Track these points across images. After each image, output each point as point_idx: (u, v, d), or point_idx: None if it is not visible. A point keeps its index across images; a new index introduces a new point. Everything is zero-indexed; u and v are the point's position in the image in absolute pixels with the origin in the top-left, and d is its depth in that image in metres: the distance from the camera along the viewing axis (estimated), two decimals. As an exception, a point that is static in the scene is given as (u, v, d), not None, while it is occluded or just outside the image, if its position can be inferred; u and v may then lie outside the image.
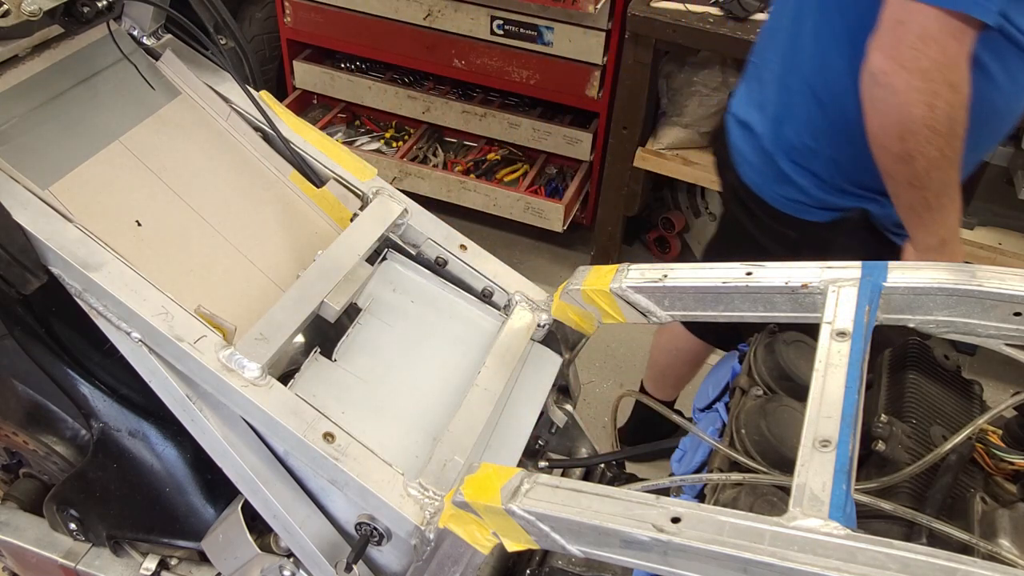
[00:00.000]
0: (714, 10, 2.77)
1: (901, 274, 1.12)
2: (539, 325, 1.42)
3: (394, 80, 3.58)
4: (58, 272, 1.20)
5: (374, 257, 1.46)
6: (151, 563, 1.55)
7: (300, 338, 1.41)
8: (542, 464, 1.51)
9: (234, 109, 1.54)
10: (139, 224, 1.34)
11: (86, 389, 1.46)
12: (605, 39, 2.98)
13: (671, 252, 3.60)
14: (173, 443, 1.45)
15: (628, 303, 1.30)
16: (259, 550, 1.34)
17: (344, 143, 3.30)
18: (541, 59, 3.11)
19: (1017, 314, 1.07)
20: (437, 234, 1.49)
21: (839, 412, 0.96)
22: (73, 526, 1.56)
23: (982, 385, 1.25)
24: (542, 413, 1.44)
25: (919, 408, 1.16)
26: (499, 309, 1.47)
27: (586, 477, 1.56)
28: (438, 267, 1.49)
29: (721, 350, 2.22)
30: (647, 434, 2.26)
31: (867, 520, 1.02)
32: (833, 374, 1.01)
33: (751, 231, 1.79)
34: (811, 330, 1.15)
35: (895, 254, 1.56)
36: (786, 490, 0.95)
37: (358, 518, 1.17)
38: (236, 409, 1.19)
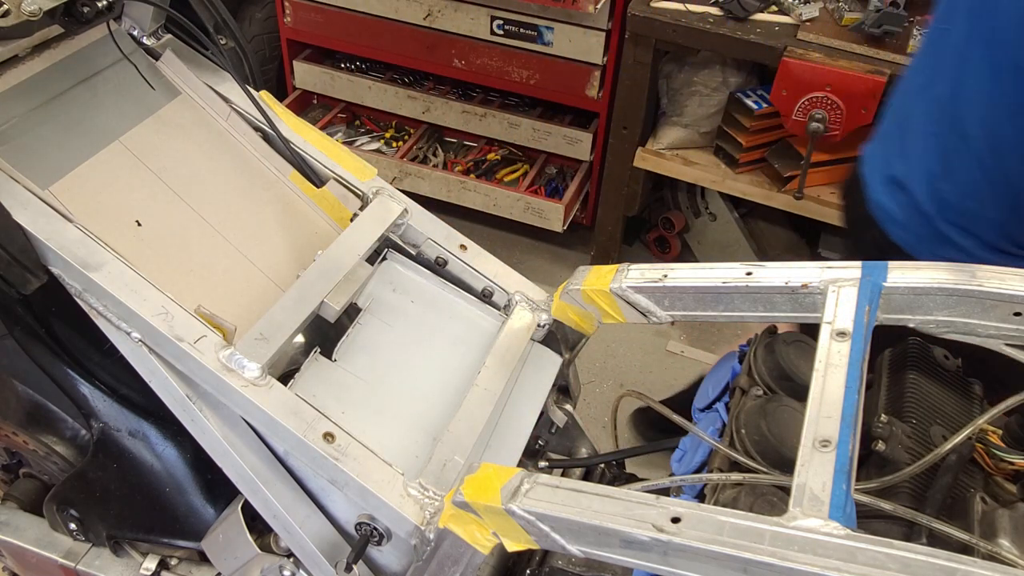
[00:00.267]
0: (714, 10, 2.77)
1: (901, 274, 1.12)
2: (539, 325, 1.42)
3: (394, 80, 3.58)
4: (58, 272, 1.20)
5: (374, 257, 1.46)
6: (151, 563, 1.55)
7: (300, 338, 1.41)
8: (542, 464, 1.51)
9: (234, 109, 1.54)
10: (139, 224, 1.34)
11: (86, 389, 1.46)
12: (605, 39, 2.98)
13: (671, 252, 3.60)
14: (173, 443, 1.45)
15: (628, 303, 1.30)
16: (259, 550, 1.34)
17: (344, 143, 3.30)
18: (541, 59, 3.11)
19: (1017, 314, 1.07)
20: (437, 234, 1.49)
21: (839, 412, 0.96)
22: (73, 526, 1.56)
23: (982, 385, 1.25)
24: (542, 413, 1.44)
25: (919, 408, 1.16)
26: (499, 309, 1.47)
27: (586, 477, 1.56)
28: (438, 267, 1.49)
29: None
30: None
31: (867, 520, 1.02)
32: (833, 374, 1.01)
33: None
34: (811, 330, 1.15)
35: None
36: (786, 490, 0.95)
37: (358, 518, 1.17)
38: (236, 409, 1.19)
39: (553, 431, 1.56)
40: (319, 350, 1.30)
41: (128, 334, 1.19)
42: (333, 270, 1.32)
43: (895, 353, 1.29)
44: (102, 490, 1.50)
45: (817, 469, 0.91)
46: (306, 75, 3.60)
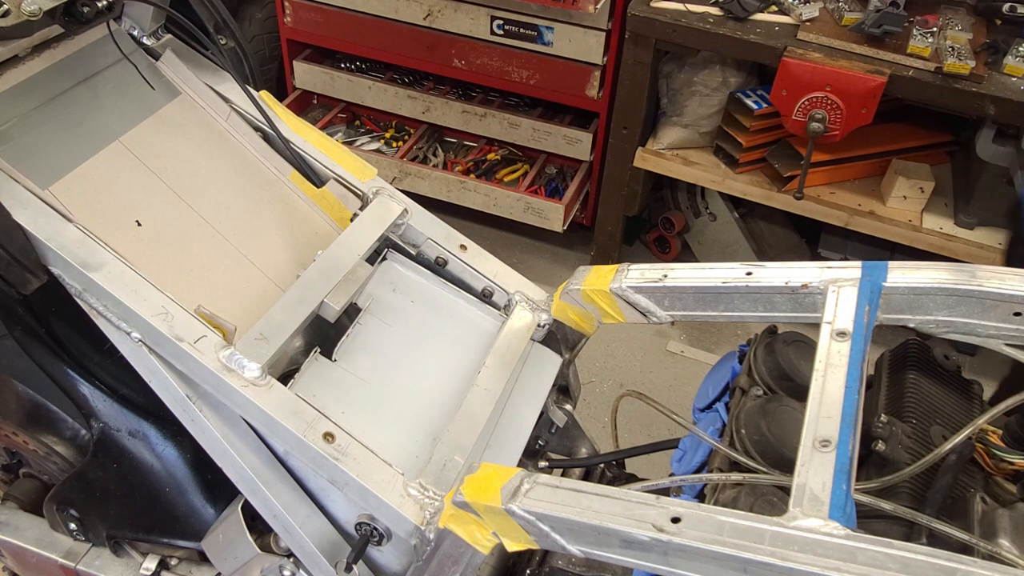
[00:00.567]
0: (714, 10, 2.77)
1: (901, 274, 1.12)
2: (539, 325, 1.42)
3: (394, 80, 3.58)
4: (58, 272, 1.20)
5: (374, 257, 1.46)
6: (151, 563, 1.55)
7: (300, 338, 1.41)
8: (542, 464, 1.51)
9: (234, 109, 1.54)
10: (139, 224, 1.34)
11: (86, 389, 1.46)
12: (605, 39, 2.98)
13: (671, 252, 3.60)
14: (173, 443, 1.45)
15: (628, 303, 1.30)
16: (259, 550, 1.34)
17: (344, 143, 3.30)
18: (541, 59, 3.11)
19: (1017, 314, 1.07)
20: (437, 234, 1.48)
21: (839, 412, 0.96)
22: (73, 526, 1.56)
23: (982, 385, 1.25)
24: (542, 413, 1.44)
25: (919, 408, 1.16)
26: (499, 309, 1.47)
27: (586, 477, 1.56)
28: (438, 267, 1.49)
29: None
30: None
31: (867, 520, 1.02)
32: (833, 374, 1.01)
33: None
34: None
35: None
36: (786, 490, 0.95)
37: (358, 518, 1.17)
38: (236, 409, 1.19)
39: (553, 431, 1.56)
40: (319, 350, 1.30)
41: (128, 334, 1.19)
42: (333, 270, 1.32)
43: (895, 353, 1.29)
44: (102, 490, 1.50)
45: (817, 469, 0.91)
46: (306, 75, 3.60)
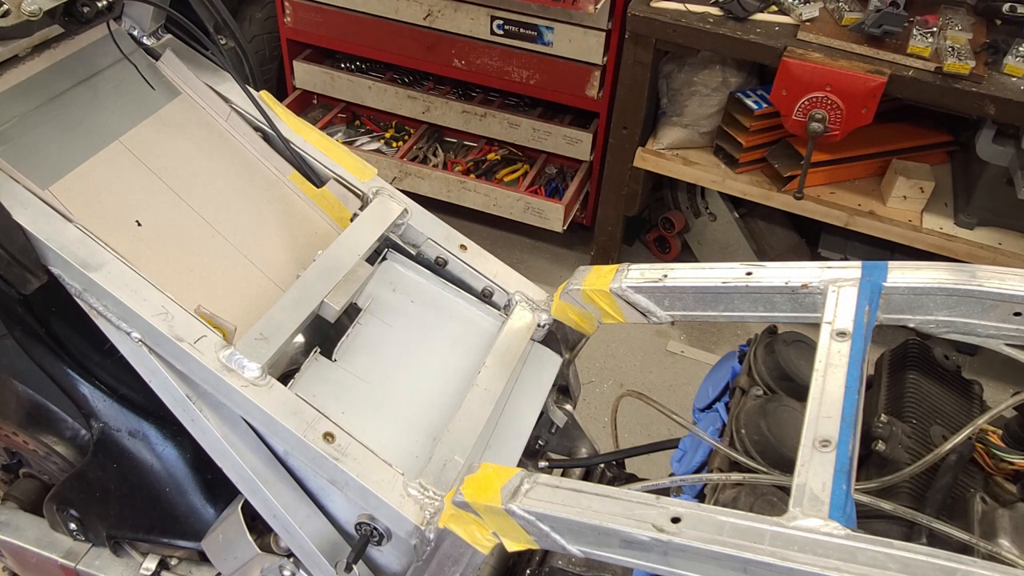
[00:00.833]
0: (714, 10, 2.78)
1: (901, 274, 1.12)
2: (539, 325, 1.42)
3: (394, 80, 3.58)
4: (58, 272, 1.20)
5: (374, 257, 1.46)
6: (151, 563, 1.55)
7: (300, 338, 1.41)
8: (542, 464, 1.51)
9: (234, 109, 1.54)
10: (139, 224, 1.34)
11: (86, 389, 1.46)
12: (605, 39, 2.98)
13: (671, 252, 3.60)
14: (173, 443, 1.45)
15: (628, 303, 1.30)
16: (259, 550, 1.34)
17: (344, 143, 3.30)
18: (541, 59, 3.11)
19: (1017, 314, 1.07)
20: (437, 234, 1.48)
21: (839, 412, 0.96)
22: (73, 526, 1.56)
23: (982, 385, 1.25)
24: (542, 413, 1.44)
25: (919, 408, 1.16)
26: (499, 309, 1.47)
27: (586, 477, 1.56)
28: (438, 267, 1.49)
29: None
30: None
31: (867, 520, 1.02)
32: (833, 374, 1.01)
33: None
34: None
35: None
36: (786, 490, 0.95)
37: (358, 518, 1.17)
38: (236, 409, 1.19)
39: (553, 431, 1.56)
40: (319, 350, 1.30)
41: (128, 334, 1.19)
42: (333, 270, 1.32)
43: (895, 353, 1.29)
44: (102, 490, 1.50)
45: (817, 469, 0.91)
46: (306, 75, 3.60)
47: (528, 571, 1.38)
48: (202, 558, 1.52)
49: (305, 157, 1.53)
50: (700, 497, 1.21)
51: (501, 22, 3.07)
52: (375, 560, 1.25)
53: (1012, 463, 1.09)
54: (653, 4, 2.79)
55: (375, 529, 1.15)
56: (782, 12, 2.79)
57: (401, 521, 1.11)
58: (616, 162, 3.18)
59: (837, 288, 1.13)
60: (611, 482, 1.55)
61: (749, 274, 1.21)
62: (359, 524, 1.17)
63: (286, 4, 3.38)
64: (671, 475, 1.25)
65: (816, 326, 1.11)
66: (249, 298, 1.37)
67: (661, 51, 2.93)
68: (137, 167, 1.41)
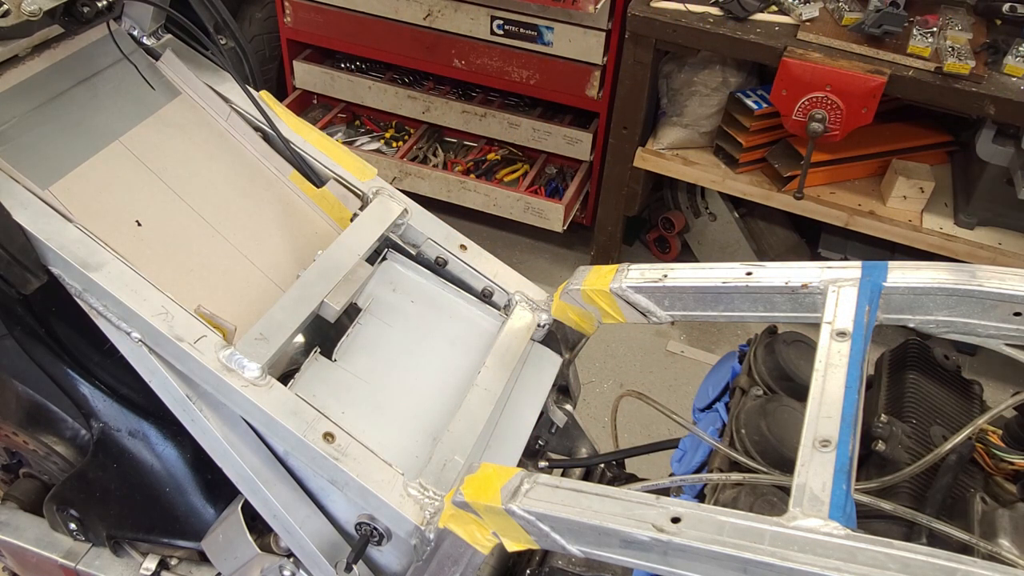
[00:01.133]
0: (714, 10, 2.78)
1: (901, 274, 1.12)
2: (539, 325, 1.42)
3: (394, 80, 3.58)
4: (58, 272, 1.20)
5: (374, 257, 1.46)
6: (151, 563, 1.55)
7: (300, 338, 1.41)
8: (542, 464, 1.51)
9: (234, 109, 1.54)
10: (139, 224, 1.34)
11: (86, 389, 1.46)
12: (605, 39, 2.98)
13: (671, 252, 3.60)
14: (173, 443, 1.45)
15: (628, 303, 1.30)
16: (259, 550, 1.34)
17: (344, 143, 3.30)
18: (541, 59, 3.11)
19: (1017, 314, 1.07)
20: (437, 234, 1.48)
21: (839, 412, 0.96)
22: (73, 526, 1.56)
23: (982, 385, 1.25)
24: (542, 413, 1.44)
25: (919, 408, 1.16)
26: (499, 309, 1.47)
27: (586, 477, 1.56)
28: (438, 267, 1.49)
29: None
30: None
31: (867, 520, 1.02)
32: (833, 374, 1.01)
33: None
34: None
35: None
36: (786, 490, 0.95)
37: (358, 518, 1.17)
38: (236, 409, 1.19)
39: (553, 431, 1.56)
40: (319, 350, 1.30)
41: (128, 334, 1.19)
42: (333, 270, 1.32)
43: (895, 353, 1.29)
44: (102, 490, 1.50)
45: (817, 469, 0.91)
46: (306, 75, 3.60)
47: (528, 571, 1.38)
48: (202, 558, 1.52)
49: (305, 157, 1.53)
50: (700, 497, 1.21)
51: (501, 22, 3.07)
52: (375, 560, 1.25)
53: (1012, 463, 1.09)
54: (653, 4, 2.79)
55: (375, 529, 1.15)
56: (782, 12, 2.79)
57: (401, 521, 1.11)
58: (616, 162, 3.18)
59: (837, 288, 1.13)
60: (611, 482, 1.54)
61: (749, 274, 1.21)
62: (359, 524, 1.17)
63: (286, 4, 3.38)
64: (671, 475, 1.25)
65: (816, 326, 1.11)
66: (249, 298, 1.37)
67: (661, 51, 2.93)
68: (137, 167, 1.41)
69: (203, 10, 1.48)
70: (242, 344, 1.17)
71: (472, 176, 3.43)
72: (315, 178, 1.54)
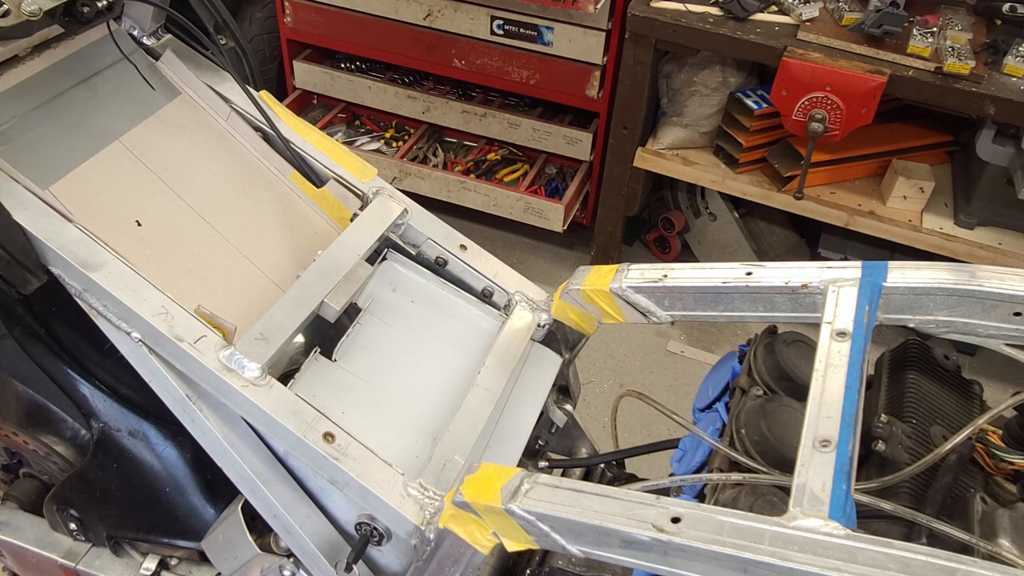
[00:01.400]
0: (714, 10, 2.78)
1: (901, 274, 1.12)
2: (539, 325, 1.42)
3: (394, 80, 3.58)
4: (58, 272, 1.20)
5: (374, 257, 1.46)
6: (151, 563, 1.55)
7: (300, 338, 1.41)
8: (542, 464, 1.51)
9: (234, 109, 1.54)
10: (139, 224, 1.34)
11: (86, 389, 1.46)
12: (605, 39, 2.98)
13: (671, 252, 3.60)
14: (173, 443, 1.45)
15: (628, 303, 1.30)
16: (259, 550, 1.34)
17: (344, 143, 3.30)
18: (541, 59, 3.11)
19: (1017, 314, 1.07)
20: (437, 234, 1.48)
21: (839, 412, 0.96)
22: (73, 526, 1.56)
23: (982, 385, 1.25)
24: (542, 413, 1.44)
25: (919, 408, 1.16)
26: (499, 309, 1.47)
27: (586, 477, 1.56)
28: (438, 267, 1.49)
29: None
30: None
31: (867, 520, 1.02)
32: (833, 374, 1.01)
33: None
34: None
35: None
36: (786, 490, 0.95)
37: (358, 518, 1.17)
38: (236, 409, 1.19)
39: (553, 431, 1.56)
40: (319, 350, 1.30)
41: (128, 334, 1.19)
42: (333, 270, 1.32)
43: (895, 353, 1.29)
44: (102, 490, 1.50)
45: (817, 469, 0.91)
46: (306, 75, 3.60)
47: (528, 571, 1.37)
48: (202, 558, 1.52)
49: (305, 157, 1.53)
50: (700, 497, 1.21)
51: (501, 22, 3.07)
52: (375, 560, 1.25)
53: (1012, 463, 1.09)
54: (653, 4, 2.79)
55: (375, 529, 1.15)
56: (782, 12, 2.79)
57: (401, 521, 1.11)
58: (616, 162, 3.18)
59: (837, 288, 1.13)
60: (611, 482, 1.54)
61: (749, 274, 1.21)
62: (359, 524, 1.17)
63: (286, 4, 3.38)
64: (671, 475, 1.25)
65: (816, 326, 1.11)
66: (249, 298, 1.37)
67: (661, 51, 2.93)
68: (137, 167, 1.41)
69: (203, 10, 1.48)
70: (242, 344, 1.17)
71: (472, 176, 3.43)
72: (315, 178, 1.54)
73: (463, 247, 1.49)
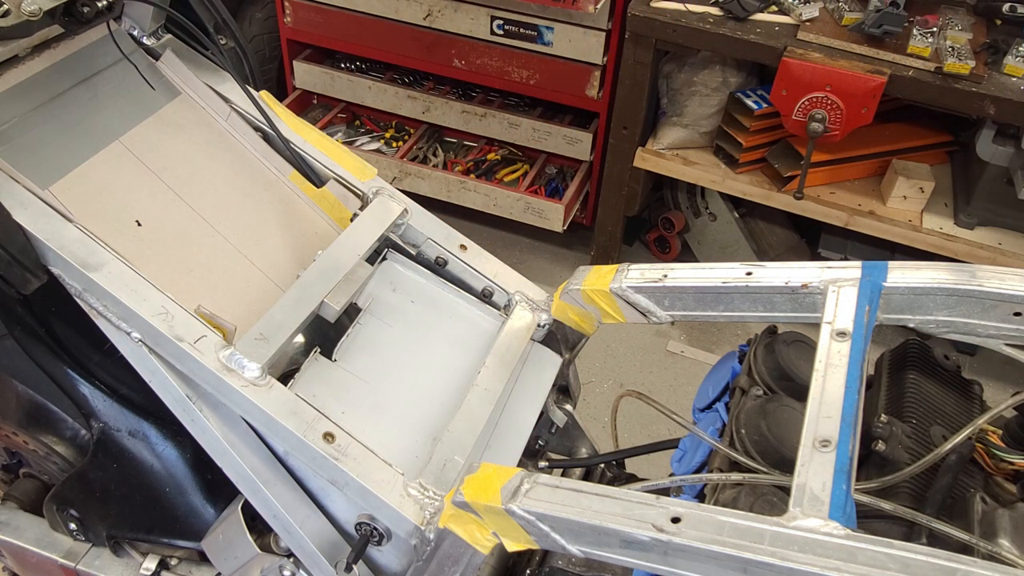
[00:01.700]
0: (714, 10, 2.78)
1: (901, 274, 1.12)
2: (539, 325, 1.42)
3: (394, 80, 3.58)
4: (58, 272, 1.20)
5: (374, 257, 1.46)
6: (151, 563, 1.55)
7: (300, 338, 1.41)
8: (542, 464, 1.51)
9: (234, 109, 1.54)
10: (139, 224, 1.34)
11: (86, 389, 1.46)
12: (605, 39, 2.98)
13: (671, 252, 3.60)
14: (173, 443, 1.45)
15: (628, 303, 1.30)
16: (259, 550, 1.34)
17: (344, 143, 3.30)
18: (541, 59, 3.11)
19: (1017, 314, 1.07)
20: (437, 234, 1.48)
21: (839, 412, 0.96)
22: (73, 526, 1.56)
23: (982, 385, 1.25)
24: (542, 413, 1.44)
25: (919, 408, 1.16)
26: (499, 309, 1.47)
27: (586, 477, 1.56)
28: (438, 267, 1.49)
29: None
30: None
31: (867, 520, 1.02)
32: (833, 374, 1.01)
33: None
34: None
35: None
36: (786, 490, 0.95)
37: (358, 518, 1.17)
38: (236, 409, 1.19)
39: (553, 431, 1.56)
40: (319, 350, 1.30)
41: (128, 334, 1.19)
42: (333, 270, 1.32)
43: (895, 353, 1.29)
44: (102, 490, 1.50)
45: (817, 469, 0.91)
46: (306, 75, 3.60)
47: (528, 571, 1.38)
48: (202, 558, 1.52)
49: (305, 157, 1.53)
50: (700, 497, 1.21)
51: (501, 22, 3.07)
52: (375, 560, 1.25)
53: (1012, 463, 1.09)
54: (653, 4, 2.79)
55: (375, 529, 1.15)
56: (782, 12, 2.79)
57: (401, 521, 1.11)
58: (616, 162, 3.18)
59: (837, 288, 1.13)
60: (611, 482, 1.55)
61: (749, 274, 1.21)
62: (359, 524, 1.17)
63: (286, 4, 3.38)
64: (671, 475, 1.25)
65: (816, 326, 1.11)
66: (249, 298, 1.37)
67: (661, 51, 2.93)
68: (137, 167, 1.41)
69: (203, 10, 1.48)
70: (242, 344, 1.17)
71: (472, 176, 3.43)
72: (315, 178, 1.54)
73: (463, 247, 1.49)
